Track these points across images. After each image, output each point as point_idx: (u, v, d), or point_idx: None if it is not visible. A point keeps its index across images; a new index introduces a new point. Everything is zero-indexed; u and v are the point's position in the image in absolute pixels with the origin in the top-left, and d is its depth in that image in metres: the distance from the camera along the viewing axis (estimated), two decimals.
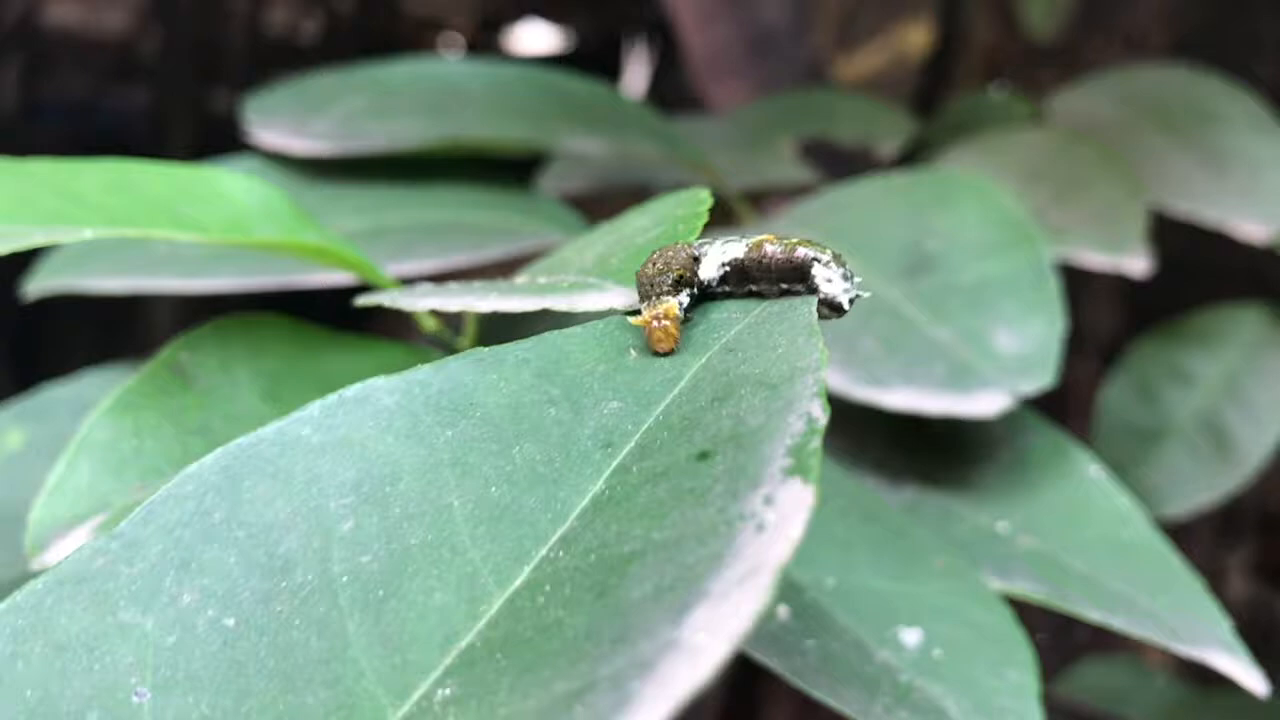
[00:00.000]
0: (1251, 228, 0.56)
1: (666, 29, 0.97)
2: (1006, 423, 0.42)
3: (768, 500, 0.19)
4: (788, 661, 0.32)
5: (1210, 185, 0.58)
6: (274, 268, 0.40)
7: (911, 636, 0.33)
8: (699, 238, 0.26)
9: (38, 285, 0.44)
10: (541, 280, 0.27)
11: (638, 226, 0.28)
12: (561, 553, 0.20)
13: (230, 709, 0.18)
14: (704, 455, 0.20)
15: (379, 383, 0.22)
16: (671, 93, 1.08)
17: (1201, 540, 0.90)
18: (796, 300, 0.25)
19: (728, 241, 0.25)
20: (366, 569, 0.20)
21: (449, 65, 0.53)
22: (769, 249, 0.25)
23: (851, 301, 0.25)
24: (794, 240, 0.25)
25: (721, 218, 0.61)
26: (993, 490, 0.40)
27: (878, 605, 0.34)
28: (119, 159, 0.33)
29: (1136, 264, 0.52)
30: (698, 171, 0.55)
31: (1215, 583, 0.93)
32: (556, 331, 0.24)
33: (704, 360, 0.24)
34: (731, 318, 0.25)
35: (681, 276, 0.24)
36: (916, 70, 1.03)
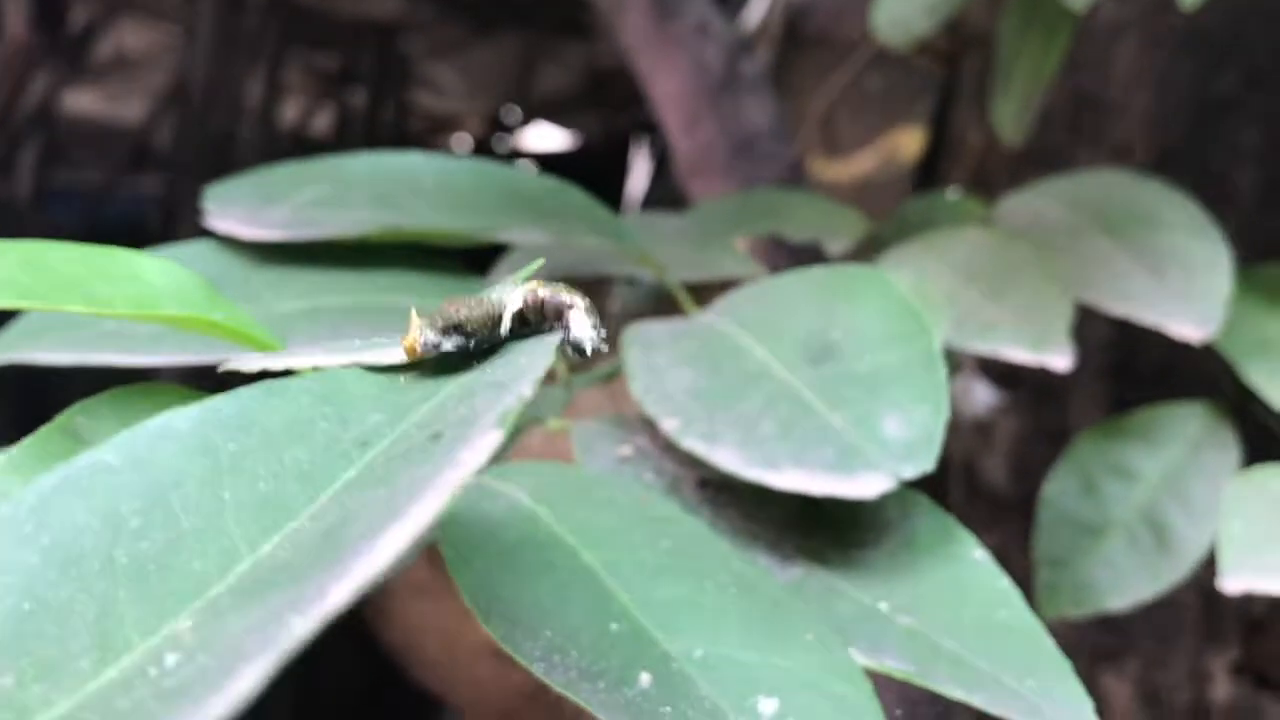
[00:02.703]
0: (1187, 330, 0.58)
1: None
2: (898, 506, 0.43)
3: (471, 448, 0.23)
4: None
5: (1149, 287, 0.60)
6: (200, 347, 0.42)
7: (769, 706, 0.35)
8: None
9: None
10: (374, 339, 0.30)
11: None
12: (309, 522, 0.24)
13: (10, 665, 0.22)
14: (436, 436, 0.25)
15: (179, 411, 0.26)
16: (668, 192, 1.11)
17: (1186, 643, 0.90)
18: (545, 336, 0.29)
19: (511, 293, 0.28)
20: (144, 552, 0.23)
21: (407, 159, 0.56)
22: (540, 292, 0.29)
23: (594, 348, 0.28)
24: (561, 286, 0.28)
25: (668, 308, 0.63)
26: (879, 571, 0.42)
27: (742, 675, 0.36)
28: (38, 241, 0.36)
29: (1060, 361, 0.53)
30: (643, 264, 0.57)
31: (1201, 685, 0.93)
32: (345, 367, 0.28)
33: (460, 379, 0.28)
34: (494, 349, 0.29)
35: (456, 326, 0.27)
36: (907, 174, 1.06)
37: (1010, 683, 0.38)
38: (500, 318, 0.28)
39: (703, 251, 0.62)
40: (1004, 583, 0.41)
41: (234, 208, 0.51)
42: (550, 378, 0.37)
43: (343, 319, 0.47)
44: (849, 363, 0.44)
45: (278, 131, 1.64)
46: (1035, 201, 0.66)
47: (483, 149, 1.95)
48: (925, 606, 0.41)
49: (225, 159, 1.52)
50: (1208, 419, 0.63)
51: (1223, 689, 0.91)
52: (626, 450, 0.45)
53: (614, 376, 0.53)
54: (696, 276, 0.59)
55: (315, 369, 0.28)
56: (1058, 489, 0.62)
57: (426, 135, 1.91)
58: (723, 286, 0.63)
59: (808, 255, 0.68)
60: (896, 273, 0.57)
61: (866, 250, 0.66)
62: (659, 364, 0.47)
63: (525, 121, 1.90)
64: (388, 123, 1.74)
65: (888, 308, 0.46)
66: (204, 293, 0.38)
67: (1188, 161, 0.94)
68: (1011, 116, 0.78)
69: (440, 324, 0.27)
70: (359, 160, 0.55)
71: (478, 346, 0.28)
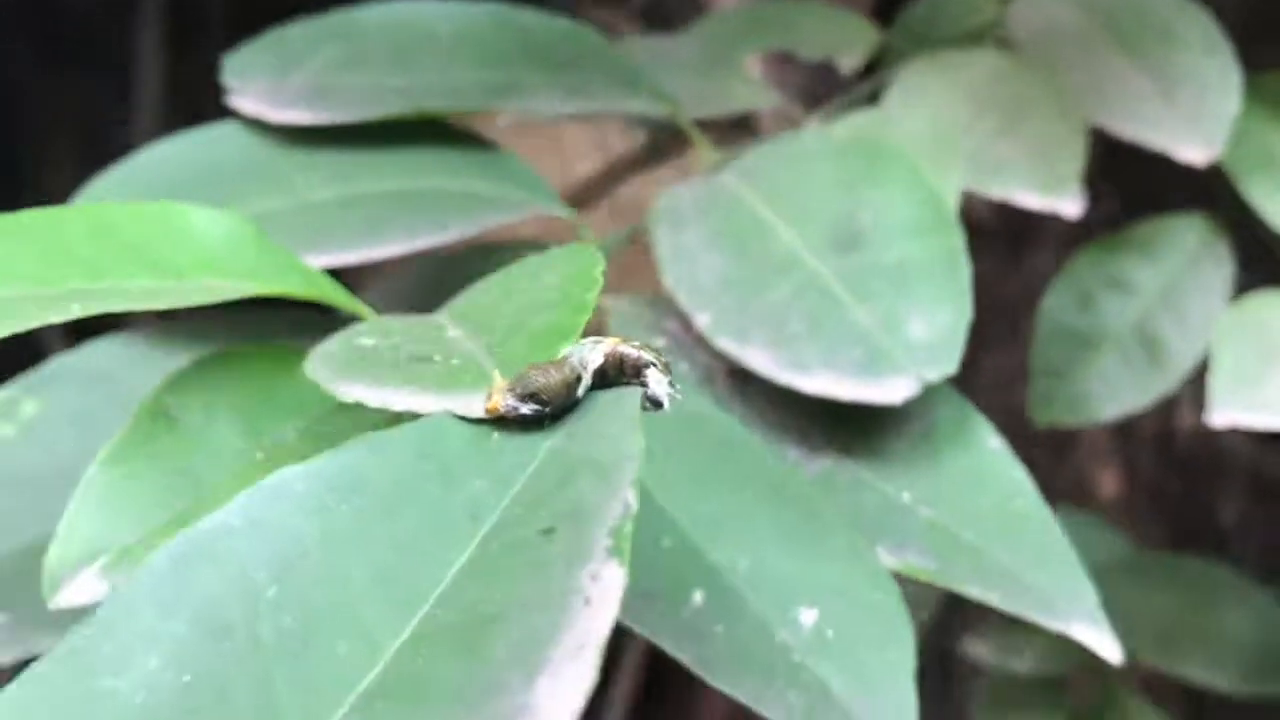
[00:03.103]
0: (1193, 152, 0.59)
1: None
2: (919, 395, 0.46)
3: (593, 576, 0.24)
4: (698, 650, 0.37)
5: (1159, 109, 0.60)
6: None
7: (809, 617, 0.38)
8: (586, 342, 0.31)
9: None
10: (454, 362, 0.31)
11: (539, 300, 0.33)
12: (439, 610, 0.25)
13: None
14: (548, 530, 0.26)
15: (290, 471, 0.28)
16: None
17: None
18: (625, 392, 0.30)
19: (592, 351, 0.30)
20: (287, 628, 0.25)
21: (421, 9, 0.55)
22: (621, 349, 0.31)
23: (671, 400, 0.30)
24: (637, 343, 0.31)
25: (679, 148, 0.64)
26: (901, 460, 0.45)
27: (783, 586, 0.39)
28: (100, 204, 0.37)
29: (1071, 206, 0.55)
30: (657, 102, 0.57)
31: (1168, 413, 0.98)
32: (439, 415, 0.29)
33: (549, 444, 0.29)
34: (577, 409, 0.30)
35: (534, 394, 0.29)
36: None
37: (1025, 577, 0.42)
38: (580, 379, 0.29)
39: (711, 79, 0.61)
40: (1019, 472, 0.44)
41: (253, 82, 0.51)
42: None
43: (380, 210, 0.48)
44: (876, 252, 0.46)
45: None
46: (1048, 6, 0.65)
47: None
48: (945, 497, 0.44)
49: None
50: (1205, 232, 0.65)
51: (1188, 417, 0.97)
52: (661, 340, 0.47)
53: (634, 237, 0.54)
54: (709, 111, 0.60)
55: (410, 413, 0.29)
56: (1056, 302, 0.64)
57: None
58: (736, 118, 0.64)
59: (820, 73, 0.68)
60: (911, 111, 0.57)
61: (879, 66, 0.65)
62: (688, 246, 0.48)
63: None
64: None
65: (913, 194, 0.47)
66: (257, 241, 0.39)
67: None
68: None
69: (520, 391, 0.29)
70: (371, 12, 0.54)
71: (553, 413, 0.29)
